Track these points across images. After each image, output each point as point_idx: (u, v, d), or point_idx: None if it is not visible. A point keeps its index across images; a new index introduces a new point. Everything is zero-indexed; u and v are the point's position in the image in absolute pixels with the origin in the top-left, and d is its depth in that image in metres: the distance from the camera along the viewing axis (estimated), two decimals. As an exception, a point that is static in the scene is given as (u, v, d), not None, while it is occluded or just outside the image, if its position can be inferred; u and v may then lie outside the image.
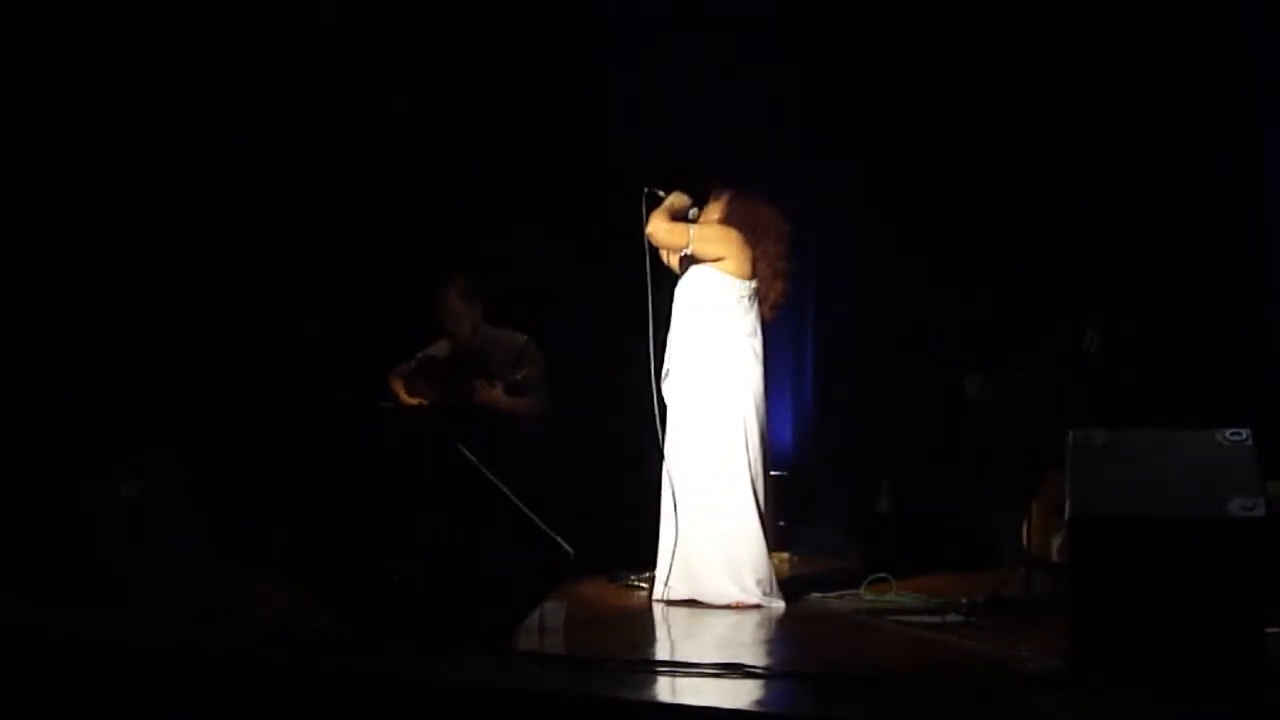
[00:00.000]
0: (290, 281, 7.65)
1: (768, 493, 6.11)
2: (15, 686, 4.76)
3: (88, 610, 5.55)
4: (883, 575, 6.28)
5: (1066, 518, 4.48)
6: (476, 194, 7.91)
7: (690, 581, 5.97)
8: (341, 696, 4.38)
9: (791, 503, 7.55)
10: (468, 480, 4.97)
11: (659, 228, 6.16)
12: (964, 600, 5.62)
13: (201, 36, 7.58)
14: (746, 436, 6.01)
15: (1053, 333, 6.25)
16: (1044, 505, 5.82)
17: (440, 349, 7.14)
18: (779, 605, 5.91)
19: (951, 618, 5.45)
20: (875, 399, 7.76)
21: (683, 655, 4.87)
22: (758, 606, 5.86)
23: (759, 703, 4.17)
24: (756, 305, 6.12)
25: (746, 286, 6.09)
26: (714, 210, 6.25)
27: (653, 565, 6.15)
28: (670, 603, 5.98)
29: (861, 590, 6.20)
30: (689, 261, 6.17)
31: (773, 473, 6.79)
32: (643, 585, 6.27)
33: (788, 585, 6.20)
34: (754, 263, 6.10)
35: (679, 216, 6.25)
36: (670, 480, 6.05)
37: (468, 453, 4.99)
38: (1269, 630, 4.54)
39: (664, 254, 6.29)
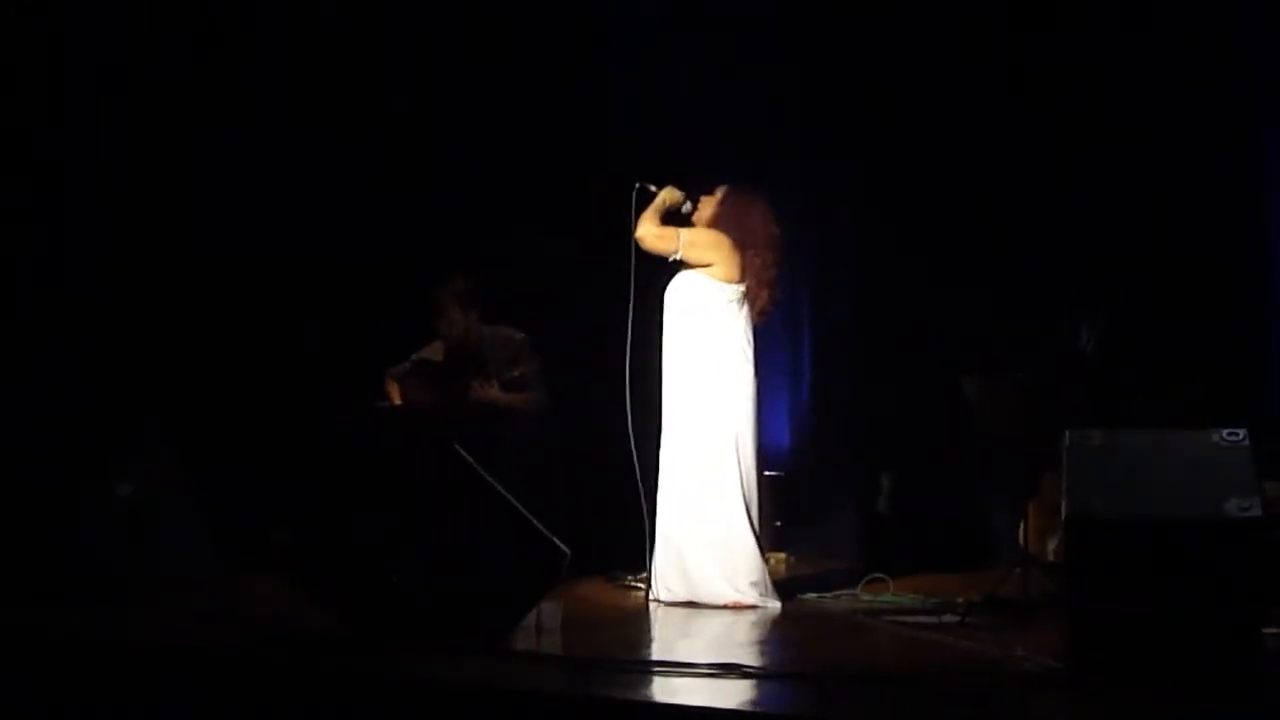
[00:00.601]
0: (288, 282, 7.65)
1: (761, 494, 6.11)
2: (15, 687, 4.76)
3: (87, 610, 5.55)
4: (880, 575, 6.29)
5: (1063, 518, 4.49)
6: (475, 193, 7.91)
7: (686, 583, 5.97)
8: (340, 697, 4.39)
9: (788, 503, 7.56)
10: (465, 481, 4.97)
11: (648, 233, 6.16)
12: (961, 600, 5.63)
13: (201, 36, 7.57)
14: (737, 440, 6.01)
15: (1050, 333, 6.25)
16: (1041, 506, 5.82)
17: (434, 351, 7.16)
18: (775, 606, 5.92)
19: (948, 618, 5.46)
20: (873, 399, 7.76)
21: (679, 655, 4.86)
22: (754, 607, 5.87)
23: (755, 703, 4.18)
24: (746, 308, 6.12)
25: (735, 291, 6.09)
26: (707, 205, 6.24)
27: (649, 565, 6.16)
28: (667, 604, 5.99)
29: (858, 590, 6.21)
30: (678, 264, 6.17)
31: (769, 473, 6.83)
32: (639, 586, 6.27)
33: (784, 586, 6.21)
34: (742, 268, 6.09)
35: (672, 212, 6.25)
36: (639, 474, 6.07)
37: (465, 453, 5.00)
38: (1265, 630, 4.55)
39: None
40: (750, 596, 5.89)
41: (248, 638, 5.06)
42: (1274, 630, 4.76)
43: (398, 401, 7.06)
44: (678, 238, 6.13)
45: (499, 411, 6.85)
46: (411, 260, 7.64)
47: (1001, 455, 6.13)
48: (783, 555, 7.49)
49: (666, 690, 4.31)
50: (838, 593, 6.24)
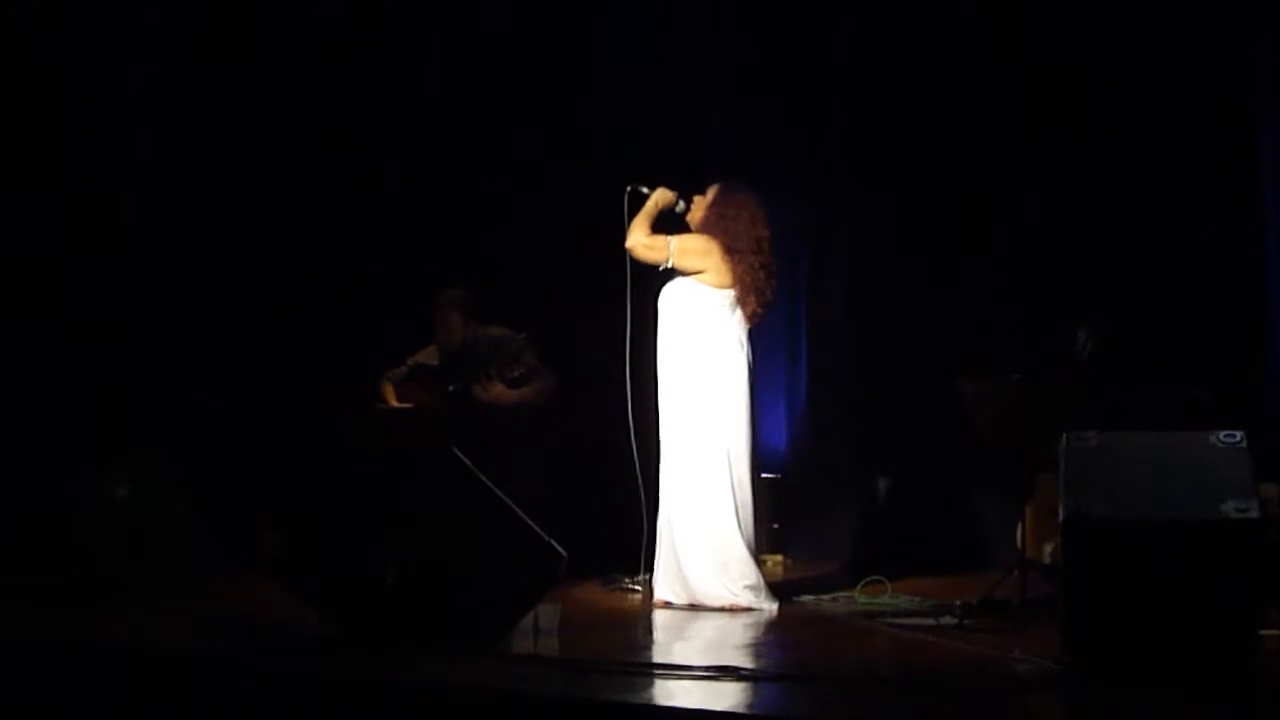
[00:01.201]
0: (284, 284, 7.65)
1: (758, 496, 6.11)
2: (10, 690, 4.75)
3: (82, 613, 5.54)
4: (877, 577, 6.29)
5: (1060, 520, 4.49)
6: (470, 193, 7.92)
7: (683, 586, 5.97)
8: (334, 699, 4.38)
9: (786, 505, 7.56)
10: (462, 483, 4.97)
11: (638, 243, 6.15)
12: (958, 602, 5.62)
13: (200, 37, 7.58)
14: (731, 443, 6.00)
15: (1047, 335, 6.25)
16: (1038, 508, 5.81)
17: (430, 355, 7.18)
18: (771, 608, 5.91)
19: (946, 620, 5.46)
20: (870, 402, 7.76)
21: (677, 658, 4.87)
22: (750, 609, 5.87)
23: (752, 706, 4.18)
24: (739, 313, 6.11)
25: (727, 296, 6.08)
26: (699, 206, 6.23)
27: (646, 568, 6.16)
28: (665, 606, 5.99)
29: (856, 592, 6.21)
30: (671, 271, 6.16)
31: (766, 475, 6.83)
32: (637, 588, 6.27)
33: (782, 588, 6.21)
34: (733, 273, 6.08)
35: (665, 213, 6.24)
36: (640, 479, 6.08)
37: (462, 456, 4.99)
38: (1262, 632, 4.55)
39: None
40: (746, 599, 5.89)
41: (242, 640, 5.05)
42: (1271, 631, 4.75)
43: (393, 403, 7.06)
44: (668, 246, 6.11)
45: (507, 410, 6.85)
46: (404, 261, 7.65)
47: (998, 457, 6.13)
48: (780, 557, 7.50)
49: (664, 693, 4.30)
50: (835, 595, 6.24)
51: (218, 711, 4.49)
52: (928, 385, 6.79)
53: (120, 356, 7.29)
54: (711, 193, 6.21)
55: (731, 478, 5.97)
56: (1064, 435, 4.64)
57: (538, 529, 4.93)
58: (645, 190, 6.25)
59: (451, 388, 6.92)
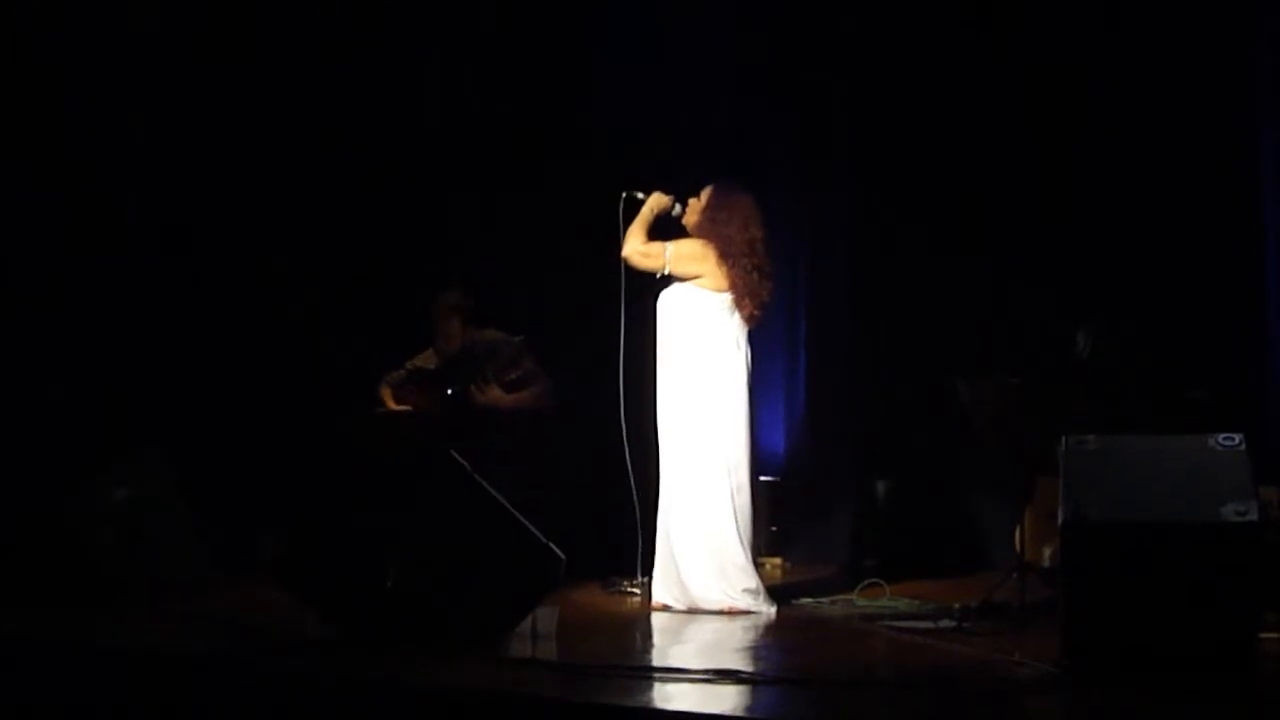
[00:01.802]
0: (283, 286, 7.64)
1: (757, 499, 6.11)
2: (10, 690, 4.75)
3: (80, 614, 5.54)
4: (876, 580, 6.29)
5: (1060, 522, 4.48)
6: (470, 193, 7.91)
7: (682, 590, 5.97)
8: (333, 700, 4.38)
9: (785, 508, 7.56)
10: (461, 486, 4.96)
11: (634, 251, 6.15)
12: (957, 605, 5.62)
13: (200, 38, 7.57)
14: (729, 447, 6.00)
15: (1047, 338, 6.25)
16: (1037, 511, 5.81)
17: (428, 359, 7.18)
18: (770, 611, 5.91)
19: (945, 623, 5.45)
20: (868, 404, 7.75)
21: (675, 661, 4.86)
22: (749, 613, 5.87)
23: (750, 709, 4.18)
24: (737, 315, 6.11)
25: (725, 299, 6.08)
26: (694, 210, 6.22)
27: (645, 572, 6.16)
28: (663, 609, 5.99)
29: (854, 595, 6.21)
30: (669, 276, 6.15)
31: (765, 478, 6.83)
32: (635, 591, 6.27)
33: (780, 591, 6.21)
34: (729, 277, 6.08)
35: (662, 217, 6.23)
36: (633, 483, 6.08)
37: (461, 459, 4.99)
38: (1263, 635, 4.55)
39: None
40: (745, 602, 5.89)
41: (240, 642, 5.05)
42: (1270, 634, 4.75)
43: (391, 406, 7.06)
44: (664, 253, 6.11)
45: (506, 413, 6.85)
46: (402, 264, 7.65)
47: (997, 460, 6.13)
48: (779, 560, 7.50)
49: (662, 696, 4.30)
50: (834, 598, 6.24)
51: (218, 711, 4.49)
52: (927, 388, 6.79)
53: (120, 356, 7.28)
54: (706, 195, 6.20)
55: (730, 481, 5.97)
56: (1063, 438, 4.64)
57: (536, 532, 4.93)
58: (640, 196, 6.24)
59: (449, 391, 6.93)
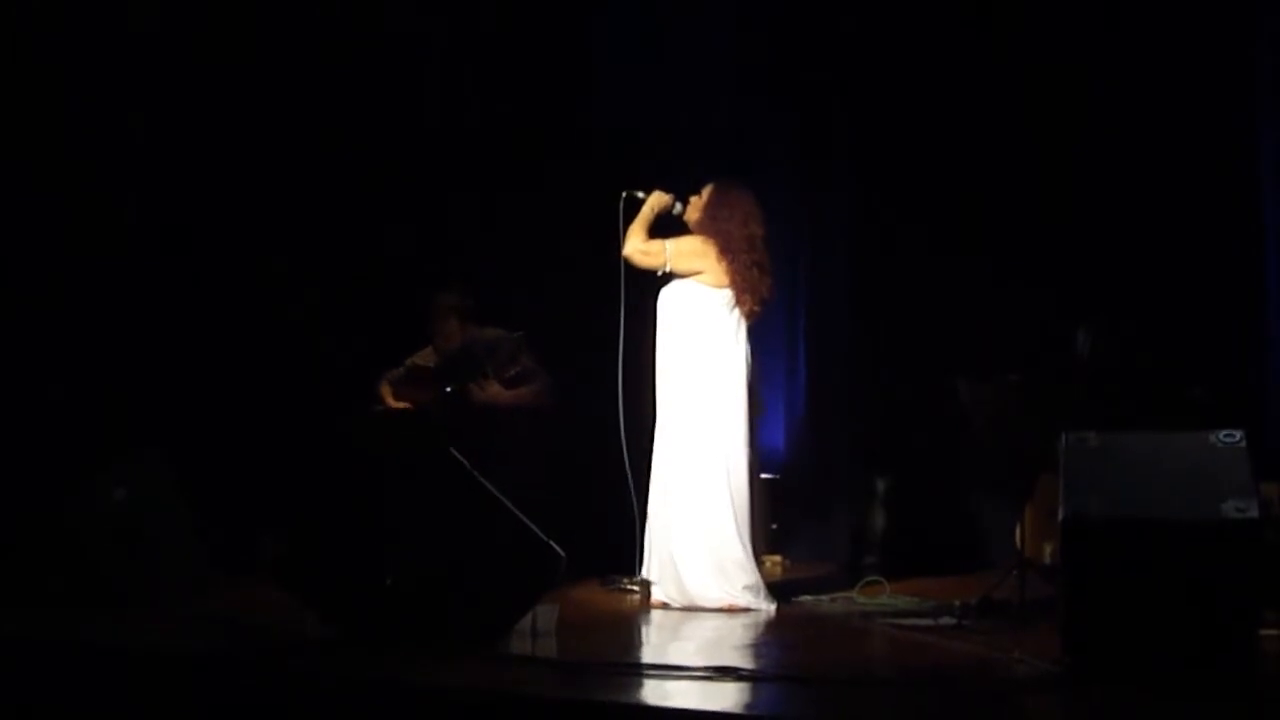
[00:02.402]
0: (283, 286, 7.64)
1: (755, 497, 6.10)
2: (10, 690, 4.74)
3: (80, 614, 5.53)
4: (876, 578, 6.29)
5: (1060, 520, 4.47)
6: (466, 190, 7.91)
7: (681, 587, 5.97)
8: (332, 700, 4.37)
9: (784, 506, 7.56)
10: (460, 484, 4.96)
11: (635, 250, 6.15)
12: (957, 603, 5.62)
13: (200, 38, 7.57)
14: (730, 444, 6.00)
15: (1047, 336, 6.25)
16: (1038, 508, 5.81)
17: (427, 356, 7.18)
18: (770, 608, 5.91)
19: (944, 620, 5.45)
20: (868, 402, 7.76)
21: (675, 659, 4.85)
22: (748, 610, 5.87)
23: (751, 706, 4.17)
24: (738, 312, 6.11)
25: (726, 296, 6.09)
26: (695, 206, 6.22)
27: (644, 569, 6.16)
28: (662, 607, 5.99)
29: (854, 593, 6.21)
30: (670, 274, 6.15)
31: (765, 476, 6.83)
32: (634, 589, 6.27)
33: (780, 588, 6.21)
34: (729, 273, 6.08)
35: (663, 216, 6.23)
36: (632, 482, 6.09)
37: (460, 457, 4.98)
38: (1263, 632, 4.54)
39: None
40: (745, 600, 5.89)
41: (241, 642, 5.04)
42: (1270, 632, 4.74)
43: (391, 404, 7.06)
44: (664, 251, 6.12)
45: (505, 410, 6.85)
46: (400, 263, 7.64)
47: (997, 458, 6.12)
48: (778, 558, 7.49)
49: (662, 693, 4.29)
50: (834, 595, 6.24)
51: (218, 711, 4.48)
52: (927, 387, 6.79)
53: (120, 356, 7.27)
54: (706, 193, 6.21)
55: (730, 478, 5.97)
56: (1063, 435, 4.62)
57: (536, 530, 4.93)
58: (640, 195, 6.24)
59: (449, 388, 6.93)
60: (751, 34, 8.04)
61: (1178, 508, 4.42)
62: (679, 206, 6.25)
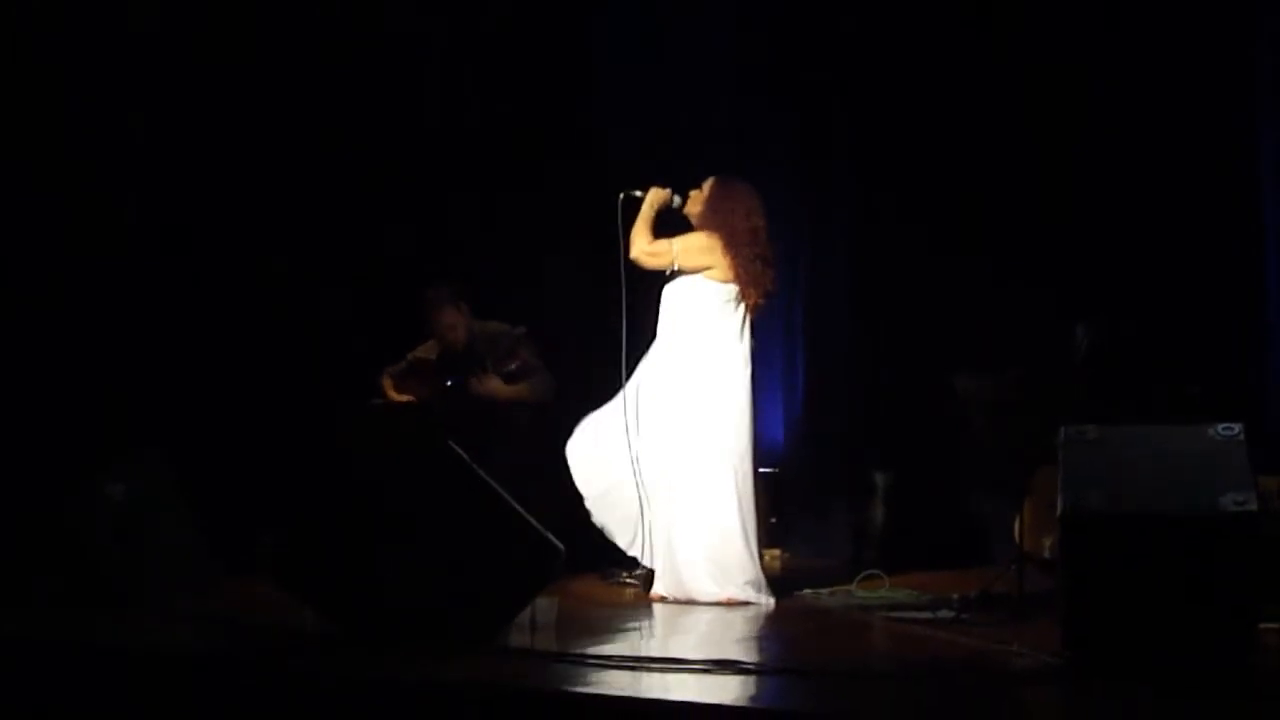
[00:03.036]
0: (280, 282, 7.64)
1: (757, 492, 6.10)
2: (10, 690, 4.74)
3: (80, 614, 5.53)
4: (875, 571, 6.29)
5: (1059, 513, 4.47)
6: (466, 190, 7.92)
7: (680, 581, 5.97)
8: (332, 696, 4.37)
9: (783, 499, 7.56)
10: (460, 477, 4.96)
11: (641, 253, 6.14)
12: (956, 596, 5.61)
13: (200, 38, 7.58)
14: (735, 439, 6.00)
15: (1046, 335, 6.26)
16: (1037, 502, 5.82)
17: (429, 350, 7.18)
18: (769, 602, 5.91)
19: (943, 614, 5.45)
20: (867, 396, 7.76)
21: (675, 652, 4.85)
22: (748, 603, 5.87)
23: (751, 699, 4.17)
24: (743, 306, 6.11)
25: (731, 290, 6.09)
26: (696, 200, 6.22)
27: (644, 563, 6.16)
28: (661, 600, 5.99)
29: (853, 586, 6.20)
30: (677, 271, 6.15)
31: (764, 470, 6.81)
32: (634, 582, 6.27)
33: (779, 582, 6.20)
34: (734, 267, 6.09)
35: (664, 211, 6.23)
36: (638, 474, 6.08)
37: (459, 450, 4.98)
38: (1262, 626, 4.54)
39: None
40: (744, 594, 5.89)
41: (241, 641, 5.04)
42: (1270, 625, 4.74)
43: (393, 397, 7.06)
44: (671, 250, 6.11)
45: (504, 404, 6.86)
46: (400, 259, 7.65)
47: (997, 452, 6.12)
48: (778, 551, 7.49)
49: (662, 686, 4.29)
50: (833, 589, 6.23)
51: (218, 711, 4.47)
52: (926, 381, 6.80)
53: (120, 356, 7.28)
54: (707, 187, 6.21)
55: (731, 471, 5.97)
56: (1062, 429, 4.63)
57: (535, 523, 4.93)
58: (638, 194, 6.22)
59: (449, 382, 6.94)
60: (751, 34, 8.04)
61: (1177, 501, 4.42)
62: (678, 200, 6.25)
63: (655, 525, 6.08)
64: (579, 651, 4.74)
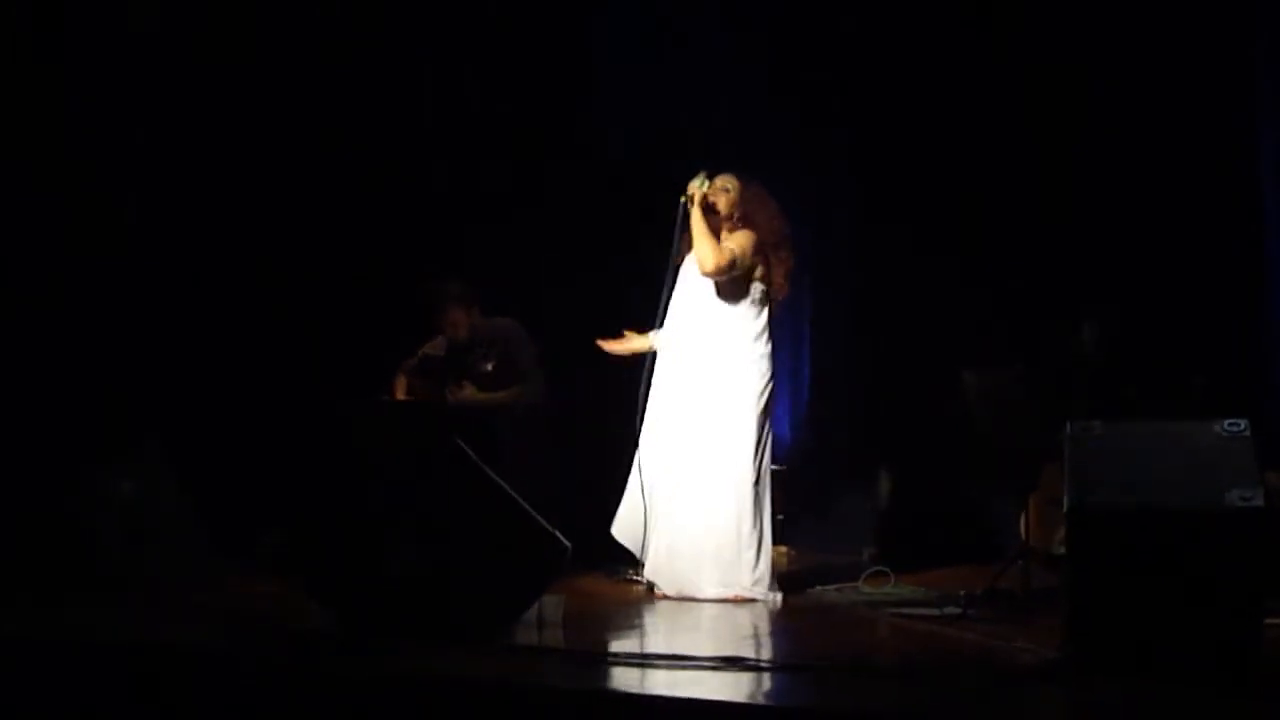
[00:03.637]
0: (284, 278, 7.64)
1: (774, 490, 6.11)
2: (11, 688, 4.74)
3: (83, 610, 5.53)
4: (881, 568, 6.29)
5: (1064, 509, 4.47)
6: (467, 186, 7.92)
7: (687, 577, 5.97)
8: (338, 693, 4.36)
9: (789, 496, 7.55)
10: (466, 474, 4.96)
11: (719, 267, 6.01)
12: (962, 593, 5.60)
13: (199, 36, 7.58)
14: (747, 436, 5.99)
15: (1050, 327, 6.26)
16: (1043, 498, 5.82)
17: (437, 346, 7.18)
18: (775, 598, 5.91)
19: (949, 610, 5.44)
20: (873, 393, 7.76)
21: (681, 648, 4.82)
22: (754, 600, 5.87)
23: (757, 695, 4.17)
24: (767, 308, 6.12)
25: (760, 288, 6.11)
26: (720, 196, 6.19)
27: (651, 560, 6.16)
28: (669, 598, 5.99)
29: (860, 583, 6.20)
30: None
31: (771, 466, 6.80)
32: (641, 580, 6.27)
33: (786, 579, 6.20)
34: (770, 262, 6.11)
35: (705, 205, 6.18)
36: (639, 469, 6.09)
37: (466, 447, 4.99)
38: (1268, 621, 4.55)
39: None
40: (752, 591, 5.89)
41: (244, 636, 5.04)
42: (1276, 621, 4.74)
43: (401, 395, 7.06)
44: (733, 254, 6.06)
45: (480, 412, 6.85)
46: (405, 255, 7.65)
47: (1002, 448, 6.12)
48: (784, 548, 7.46)
49: (669, 683, 4.29)
50: (839, 585, 6.23)
51: (218, 710, 4.47)
52: (931, 377, 6.80)
53: (122, 350, 7.28)
54: (736, 187, 6.17)
55: (745, 468, 5.97)
56: (1068, 424, 4.62)
57: (542, 520, 4.93)
58: (691, 194, 6.13)
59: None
60: (751, 34, 8.04)
61: (1182, 497, 4.41)
62: (706, 184, 6.19)
63: (659, 522, 6.07)
64: (586, 648, 4.75)
